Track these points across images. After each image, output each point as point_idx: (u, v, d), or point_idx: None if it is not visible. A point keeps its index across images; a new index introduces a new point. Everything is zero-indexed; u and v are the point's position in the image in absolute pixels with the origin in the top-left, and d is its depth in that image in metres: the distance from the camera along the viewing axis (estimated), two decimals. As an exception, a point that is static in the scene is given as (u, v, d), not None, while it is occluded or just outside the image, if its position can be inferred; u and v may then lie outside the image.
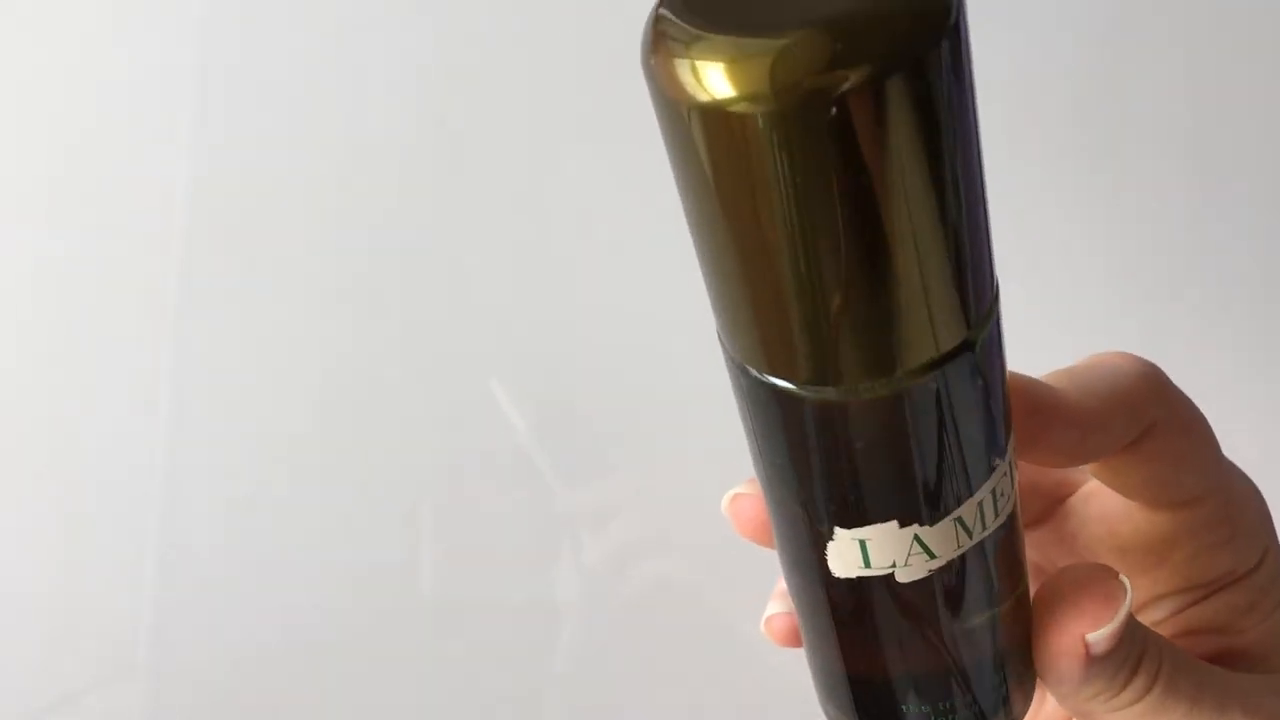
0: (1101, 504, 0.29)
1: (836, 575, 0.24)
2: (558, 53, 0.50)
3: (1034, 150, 0.52)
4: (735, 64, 0.17)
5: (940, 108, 0.18)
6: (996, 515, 0.23)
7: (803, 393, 0.21)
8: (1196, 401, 0.28)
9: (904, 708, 0.26)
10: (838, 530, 0.23)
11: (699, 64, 0.18)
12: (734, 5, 0.18)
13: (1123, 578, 0.26)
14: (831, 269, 0.19)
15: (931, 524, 0.23)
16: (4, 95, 0.49)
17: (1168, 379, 0.27)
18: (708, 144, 0.18)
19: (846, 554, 0.23)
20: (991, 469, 0.23)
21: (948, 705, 0.26)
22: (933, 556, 0.23)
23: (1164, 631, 0.29)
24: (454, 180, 0.51)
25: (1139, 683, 0.26)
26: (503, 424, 0.54)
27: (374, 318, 0.53)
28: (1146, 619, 0.29)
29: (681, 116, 0.18)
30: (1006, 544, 0.25)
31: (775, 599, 0.30)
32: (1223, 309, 0.54)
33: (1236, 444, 0.29)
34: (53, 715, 0.56)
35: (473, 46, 0.50)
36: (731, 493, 0.29)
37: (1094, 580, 0.26)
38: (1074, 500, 0.30)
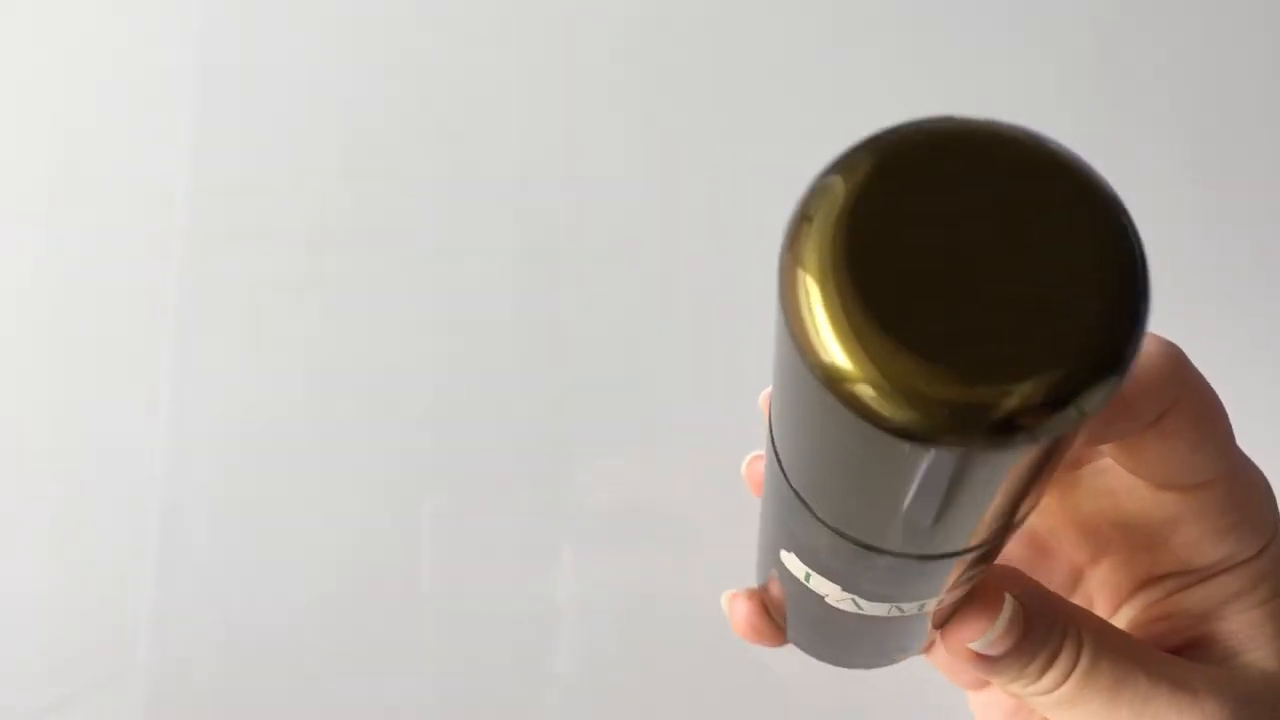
0: (1110, 480, 0.29)
1: (787, 568, 0.25)
2: (558, 52, 0.50)
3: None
4: (891, 383, 0.15)
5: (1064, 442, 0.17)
6: (940, 601, 0.24)
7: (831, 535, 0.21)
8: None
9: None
10: (790, 555, 0.24)
11: (847, 353, 0.15)
12: (899, 265, 0.15)
13: (1007, 596, 0.26)
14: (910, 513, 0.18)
15: (870, 600, 0.23)
16: (4, 95, 0.49)
17: (1187, 359, 0.27)
18: (829, 423, 0.16)
19: (794, 566, 0.24)
20: (933, 593, 0.23)
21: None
22: (860, 609, 0.24)
23: (1150, 614, 0.29)
24: (454, 179, 0.51)
25: (1055, 671, 0.27)
26: (507, 418, 0.54)
27: (374, 317, 0.53)
28: (1139, 600, 0.29)
29: (820, 388, 0.16)
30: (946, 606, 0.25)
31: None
32: (1221, 301, 0.54)
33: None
34: (53, 715, 0.56)
35: (473, 46, 0.50)
36: (751, 455, 0.30)
37: (978, 593, 0.27)
38: (1084, 472, 0.30)
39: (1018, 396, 0.14)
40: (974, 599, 0.26)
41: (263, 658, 0.57)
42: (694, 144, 0.50)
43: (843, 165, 0.16)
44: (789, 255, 0.16)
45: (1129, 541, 0.29)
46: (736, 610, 0.30)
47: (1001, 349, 0.15)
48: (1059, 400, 0.15)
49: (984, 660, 0.26)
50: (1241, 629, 0.28)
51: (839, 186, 0.16)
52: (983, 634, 0.26)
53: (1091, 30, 0.51)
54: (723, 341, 0.52)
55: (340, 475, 0.55)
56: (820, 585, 0.24)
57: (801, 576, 0.24)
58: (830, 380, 0.15)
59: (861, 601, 0.24)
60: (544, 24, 0.49)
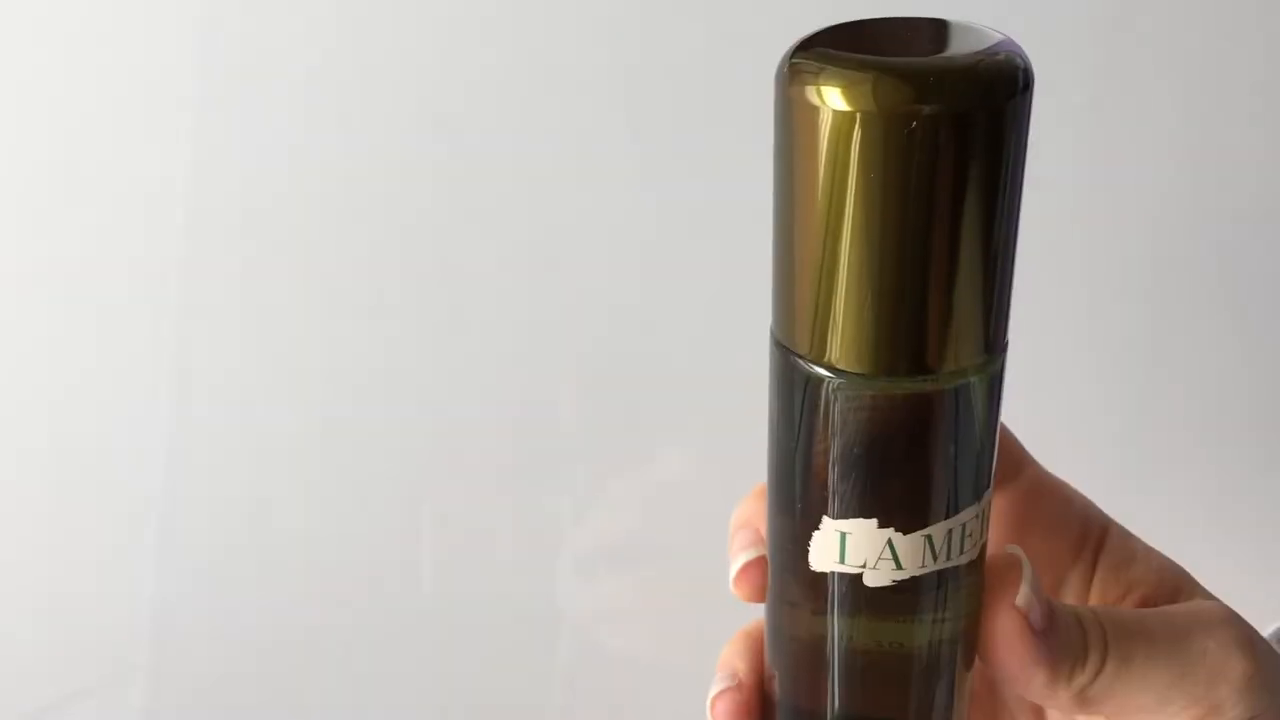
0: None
1: (814, 569, 0.26)
2: (560, 52, 0.50)
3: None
4: (851, 86, 0.22)
5: (1000, 153, 0.22)
6: (962, 553, 0.26)
7: (828, 376, 0.24)
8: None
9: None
10: (825, 520, 0.26)
11: (826, 87, 0.22)
12: (855, 47, 0.23)
13: (1010, 548, 0.28)
14: (887, 269, 0.23)
15: (905, 533, 0.25)
16: (4, 95, 0.49)
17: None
18: (812, 145, 0.23)
19: (827, 546, 0.26)
20: (967, 503, 0.26)
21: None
22: (899, 566, 0.26)
23: None
24: (455, 179, 0.51)
25: (1092, 660, 0.27)
26: (507, 418, 0.54)
27: (375, 317, 0.53)
28: None
29: (807, 122, 0.23)
30: (968, 586, 0.27)
31: (720, 678, 0.31)
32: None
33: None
34: (53, 715, 0.56)
35: (473, 46, 0.50)
36: (740, 562, 0.30)
37: (991, 562, 0.28)
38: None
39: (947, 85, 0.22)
40: (991, 575, 0.27)
41: (263, 657, 0.57)
42: (696, 145, 0.50)
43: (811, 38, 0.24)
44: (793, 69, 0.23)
45: None
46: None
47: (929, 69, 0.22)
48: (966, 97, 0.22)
49: (1026, 633, 0.27)
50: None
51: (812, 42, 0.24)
52: (1020, 587, 0.27)
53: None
54: (725, 340, 0.52)
55: (340, 475, 0.55)
56: (857, 547, 0.26)
57: (835, 556, 0.26)
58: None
59: (899, 546, 0.25)
60: (545, 24, 0.50)
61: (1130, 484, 0.56)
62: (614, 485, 0.56)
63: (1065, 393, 0.55)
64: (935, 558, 0.26)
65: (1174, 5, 0.50)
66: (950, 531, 0.25)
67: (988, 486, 0.26)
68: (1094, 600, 0.31)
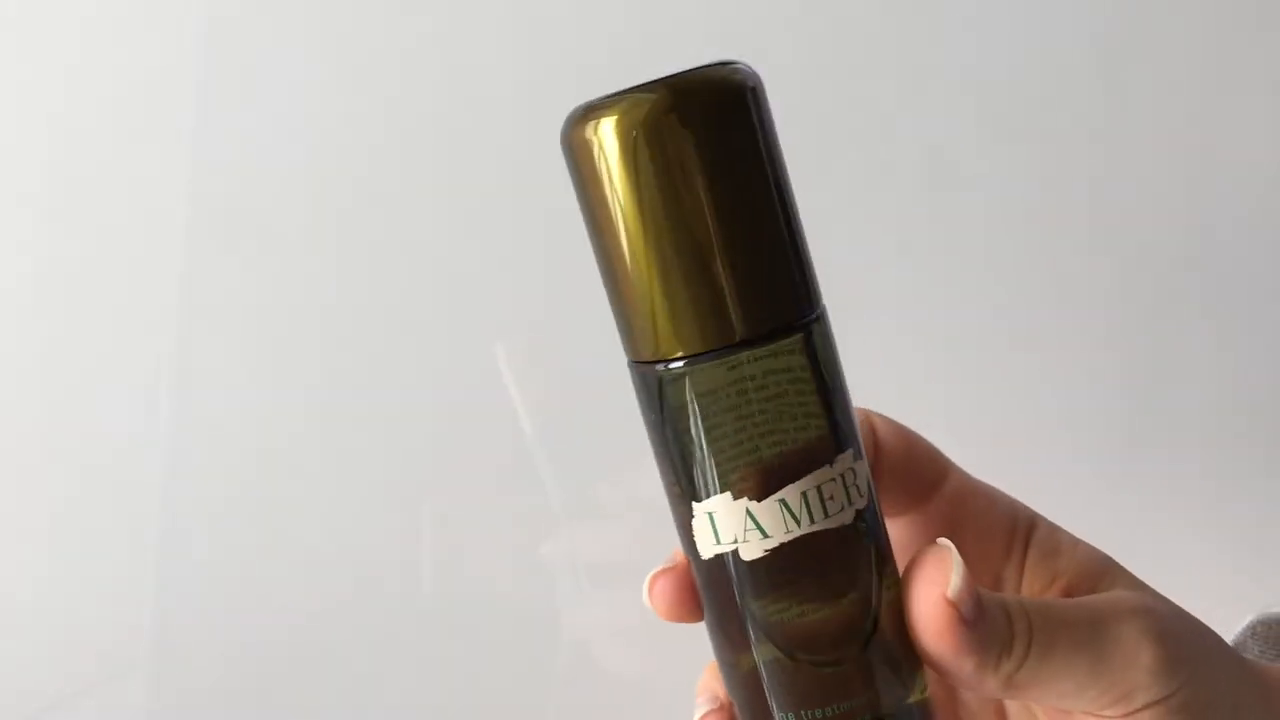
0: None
1: (703, 558, 0.28)
2: (561, 52, 0.50)
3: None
4: (589, 118, 0.27)
5: (731, 142, 0.26)
6: (827, 515, 0.27)
7: (652, 368, 0.27)
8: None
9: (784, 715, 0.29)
10: (694, 505, 0.28)
11: (586, 122, 0.27)
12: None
13: (942, 541, 0.29)
14: (665, 256, 0.26)
15: (758, 500, 0.27)
16: (4, 95, 0.49)
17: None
18: (586, 170, 0.27)
19: (703, 532, 0.28)
20: (817, 466, 0.27)
21: (831, 711, 0.28)
22: (765, 535, 0.27)
23: None
24: (455, 179, 0.51)
25: (1018, 648, 0.28)
26: (507, 419, 0.54)
27: (375, 316, 0.53)
28: None
29: (572, 157, 0.27)
30: (845, 548, 0.28)
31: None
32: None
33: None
34: (53, 715, 0.56)
35: (473, 46, 0.50)
36: (650, 574, 0.32)
37: (924, 554, 0.29)
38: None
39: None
40: (918, 564, 0.28)
41: (263, 657, 0.57)
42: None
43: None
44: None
45: None
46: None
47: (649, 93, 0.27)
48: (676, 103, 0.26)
49: (953, 623, 0.27)
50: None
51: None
52: (950, 579, 0.28)
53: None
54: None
55: (340, 475, 0.55)
56: (724, 524, 0.27)
57: (711, 539, 0.28)
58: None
59: (759, 514, 0.27)
60: (546, 23, 0.50)
61: (1130, 483, 0.56)
62: (614, 485, 0.56)
63: (1065, 393, 0.55)
64: (798, 521, 0.27)
65: (1174, 5, 0.50)
66: (805, 494, 0.27)
67: (841, 450, 0.27)
68: (1025, 591, 0.33)
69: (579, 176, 0.27)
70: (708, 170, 0.26)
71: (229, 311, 0.52)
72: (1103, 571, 0.32)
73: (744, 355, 0.26)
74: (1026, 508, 0.33)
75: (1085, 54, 0.51)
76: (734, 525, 0.27)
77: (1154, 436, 0.57)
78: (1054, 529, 0.33)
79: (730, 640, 0.29)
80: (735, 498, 0.27)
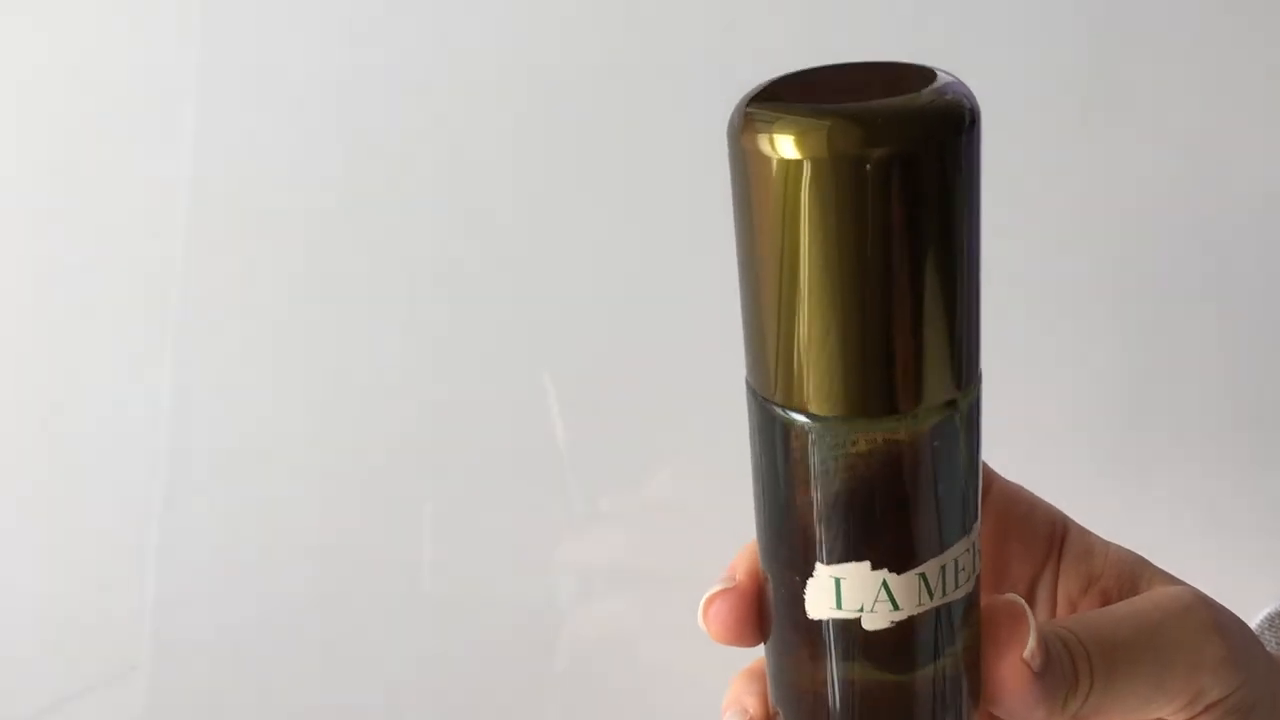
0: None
1: (812, 618, 0.26)
2: (561, 52, 0.50)
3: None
4: (804, 134, 0.22)
5: (951, 189, 0.23)
6: (957, 586, 0.26)
7: (803, 421, 0.24)
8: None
9: None
10: (818, 566, 0.26)
11: (778, 136, 0.23)
12: (811, 93, 0.24)
13: (1011, 596, 0.28)
14: (850, 311, 0.23)
15: (899, 572, 0.25)
16: (3, 95, 0.49)
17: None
18: (770, 193, 0.23)
19: (823, 593, 0.26)
20: (957, 537, 0.26)
21: None
22: (896, 607, 0.26)
23: None
24: (455, 179, 0.51)
25: (1082, 684, 0.28)
26: (507, 419, 0.54)
27: (375, 316, 0.53)
28: None
29: (762, 172, 0.23)
30: (967, 619, 0.27)
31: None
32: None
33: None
34: (53, 715, 0.56)
35: (473, 46, 0.50)
36: (707, 595, 0.30)
37: (998, 612, 0.28)
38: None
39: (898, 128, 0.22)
40: (994, 623, 0.28)
41: (263, 657, 0.57)
42: (699, 148, 0.50)
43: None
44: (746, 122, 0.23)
45: None
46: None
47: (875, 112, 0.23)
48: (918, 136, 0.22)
49: (1030, 682, 0.27)
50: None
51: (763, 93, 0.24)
52: (1026, 641, 0.27)
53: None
54: (729, 338, 0.52)
55: (340, 475, 0.55)
56: (852, 591, 0.26)
57: (831, 603, 0.26)
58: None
59: (894, 587, 0.25)
60: (546, 23, 0.50)
61: (1129, 481, 0.56)
62: (614, 485, 0.56)
63: (1067, 392, 0.55)
64: (931, 595, 0.26)
65: (1174, 6, 0.50)
66: (944, 567, 0.26)
67: (975, 518, 0.26)
68: (1061, 594, 0.32)
69: (748, 189, 0.24)
70: (940, 222, 0.23)
71: (229, 311, 0.52)
72: (1138, 571, 0.32)
73: (907, 423, 0.24)
74: (1059, 511, 0.33)
75: (1085, 52, 0.51)
76: (863, 594, 0.26)
77: (1158, 432, 0.57)
78: (1083, 531, 0.33)
79: (805, 691, 0.28)
80: (874, 567, 0.25)
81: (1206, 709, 0.29)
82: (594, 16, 0.50)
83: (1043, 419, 0.55)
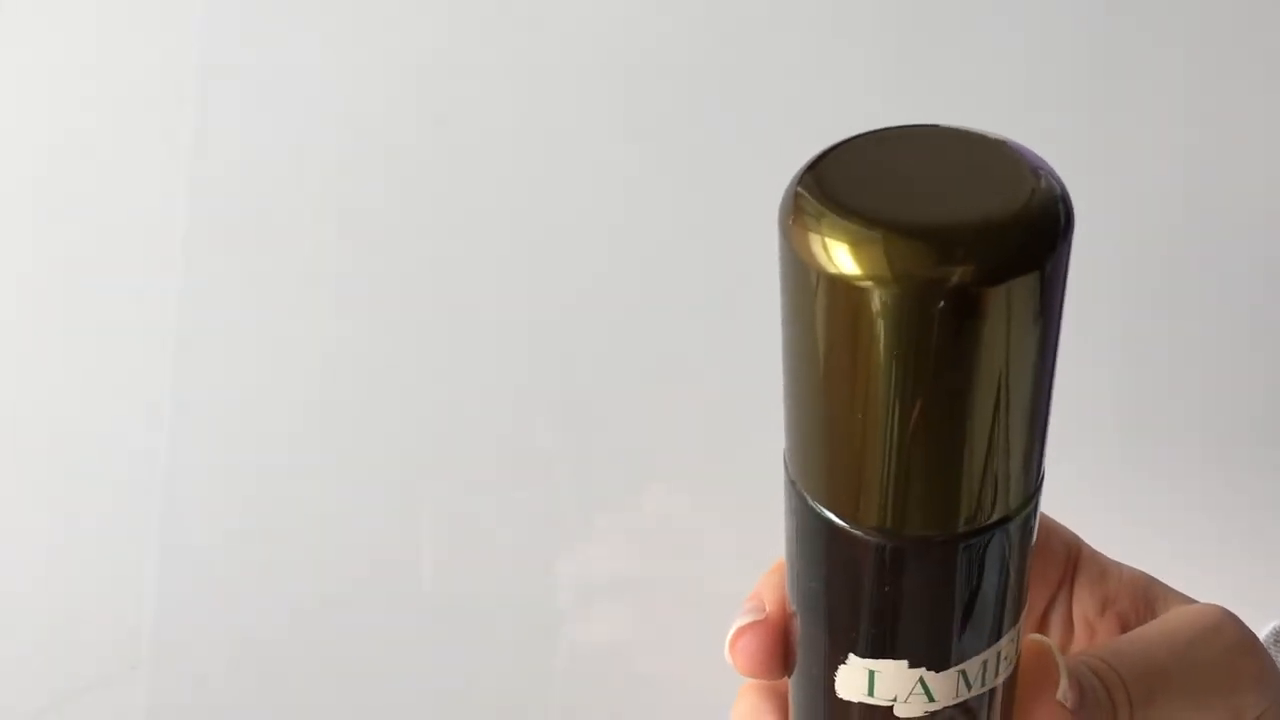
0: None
1: (840, 697, 0.25)
2: (562, 52, 0.50)
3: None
4: (860, 247, 0.19)
5: (1033, 314, 0.20)
6: (998, 675, 0.25)
7: (857, 533, 0.23)
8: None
9: None
10: (852, 656, 0.25)
11: (829, 240, 0.20)
12: (866, 190, 0.21)
13: (1036, 637, 0.28)
14: (907, 434, 0.21)
15: (938, 671, 0.24)
16: (3, 95, 0.49)
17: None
18: (828, 306, 0.20)
19: (854, 680, 0.25)
20: (1003, 633, 0.25)
21: None
22: (931, 700, 0.25)
23: None
24: (455, 180, 0.51)
25: (1120, 714, 0.27)
26: (509, 420, 0.54)
27: (375, 316, 0.53)
28: None
29: (809, 279, 0.20)
30: (1003, 701, 0.26)
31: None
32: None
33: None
34: (53, 715, 0.56)
35: (474, 47, 0.50)
36: (735, 627, 0.29)
37: (1026, 656, 0.27)
38: None
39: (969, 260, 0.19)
40: (1024, 668, 0.27)
41: (264, 657, 0.57)
42: (701, 145, 0.50)
43: (818, 159, 0.21)
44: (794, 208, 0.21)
45: None
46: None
47: (948, 232, 0.20)
48: (992, 272, 0.19)
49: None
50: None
51: (819, 170, 0.21)
52: (1057, 681, 0.26)
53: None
54: (729, 338, 0.52)
55: (340, 475, 0.55)
56: (886, 684, 0.25)
57: (864, 689, 0.25)
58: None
59: (932, 683, 0.24)
60: (547, 23, 0.49)
61: (1130, 483, 0.56)
62: (615, 485, 0.56)
63: (1069, 397, 0.55)
64: (970, 687, 0.25)
65: (1174, 6, 0.50)
66: (985, 662, 0.25)
67: (1023, 608, 0.25)
68: (1077, 616, 0.32)
69: (818, 301, 0.21)
70: (1024, 344, 0.21)
71: (229, 311, 0.52)
72: (1152, 592, 0.32)
73: (962, 543, 0.23)
74: (1069, 530, 0.33)
75: (1084, 52, 0.51)
76: (898, 688, 0.25)
77: (1158, 442, 0.56)
78: (1094, 552, 0.33)
79: None
80: (912, 666, 0.24)
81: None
82: (595, 16, 0.49)
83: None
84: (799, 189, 0.21)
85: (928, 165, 0.21)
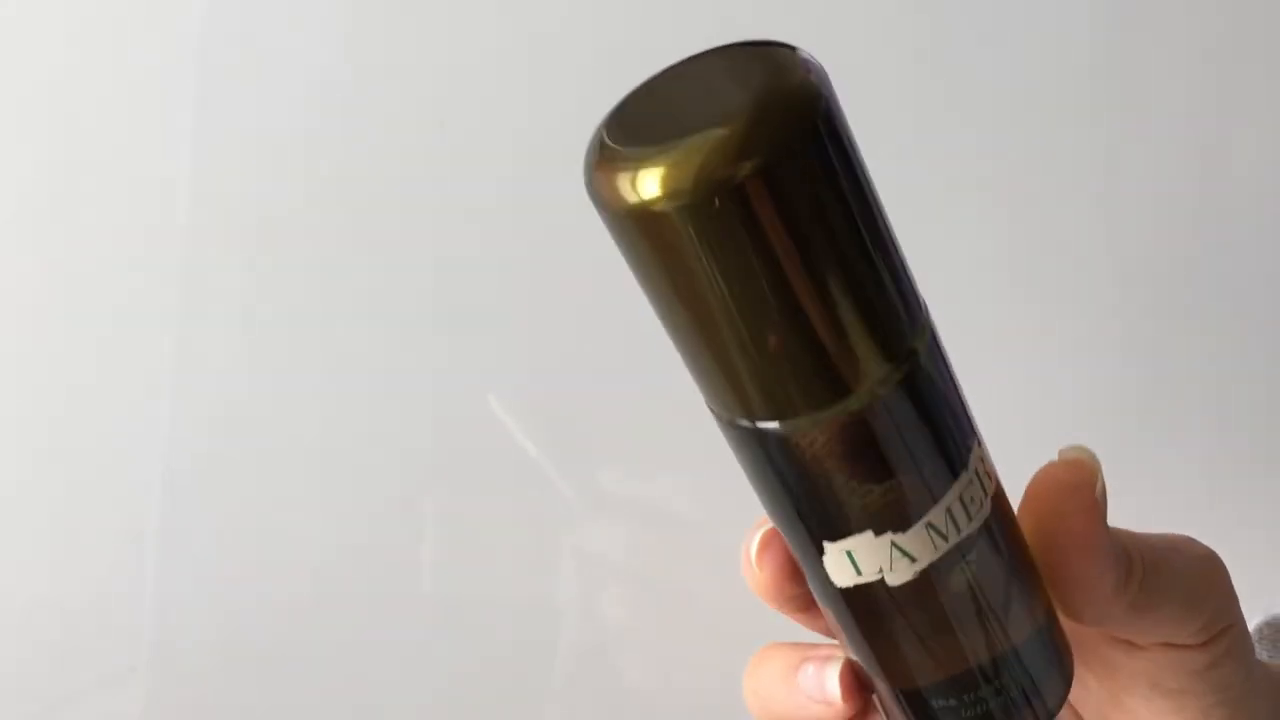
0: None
1: (838, 585, 0.26)
2: (562, 52, 0.50)
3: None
4: (644, 174, 0.22)
5: (824, 180, 0.22)
6: (970, 519, 0.26)
7: (765, 429, 0.24)
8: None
9: (933, 702, 0.28)
10: (825, 544, 0.26)
11: (622, 176, 0.23)
12: (650, 121, 0.23)
13: (1067, 450, 0.29)
14: (764, 322, 0.23)
15: (904, 531, 0.25)
16: (3, 95, 0.49)
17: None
18: (644, 240, 0.23)
19: (840, 566, 0.26)
20: (957, 474, 0.25)
21: (973, 697, 0.28)
22: (914, 560, 0.26)
23: None
24: (455, 180, 0.51)
25: (1136, 567, 0.28)
26: (504, 430, 0.54)
27: (375, 316, 0.53)
28: None
29: (620, 221, 0.23)
30: (990, 543, 0.27)
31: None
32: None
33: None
34: (53, 715, 0.56)
35: (474, 47, 0.50)
36: (756, 536, 0.30)
37: (1055, 469, 0.28)
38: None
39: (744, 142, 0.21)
40: (1056, 483, 0.28)
41: (264, 658, 0.57)
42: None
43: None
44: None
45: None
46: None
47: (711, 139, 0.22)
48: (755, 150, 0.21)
49: (1110, 540, 0.28)
50: None
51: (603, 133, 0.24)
52: (1097, 480, 0.28)
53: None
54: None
55: (341, 475, 0.55)
56: (866, 559, 0.26)
57: (851, 572, 0.26)
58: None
59: (905, 544, 0.25)
60: (547, 23, 0.50)
61: (1130, 482, 0.56)
62: (615, 486, 0.56)
63: (1067, 394, 0.55)
64: (946, 537, 0.25)
65: (1174, 6, 0.50)
66: (949, 509, 0.25)
67: (969, 449, 0.26)
68: None
69: (625, 241, 0.24)
70: (824, 213, 0.22)
71: (229, 311, 0.52)
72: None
73: (859, 399, 0.23)
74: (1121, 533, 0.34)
75: (1088, 54, 0.51)
76: (877, 558, 0.26)
77: (1155, 437, 0.57)
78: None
79: (864, 650, 0.28)
80: (877, 534, 0.25)
81: (1222, 631, 0.30)
82: (594, 17, 0.49)
83: (1043, 419, 0.55)
84: (593, 156, 0.24)
85: (694, 87, 0.24)
